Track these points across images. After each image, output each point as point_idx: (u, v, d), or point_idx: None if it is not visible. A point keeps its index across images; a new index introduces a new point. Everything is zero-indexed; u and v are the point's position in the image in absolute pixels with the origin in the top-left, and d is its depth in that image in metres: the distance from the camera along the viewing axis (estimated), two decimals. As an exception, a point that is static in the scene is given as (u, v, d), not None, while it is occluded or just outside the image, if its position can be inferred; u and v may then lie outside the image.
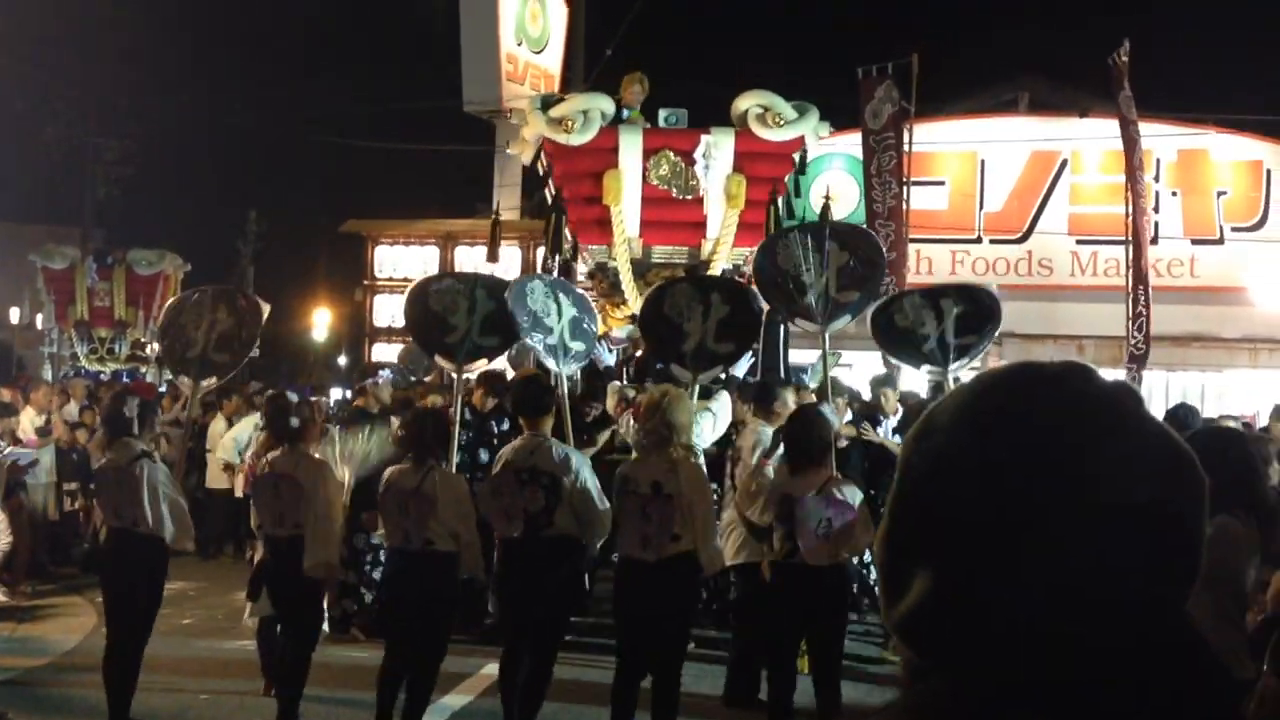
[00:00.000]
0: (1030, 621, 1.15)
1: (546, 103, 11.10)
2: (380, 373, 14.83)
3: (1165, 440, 1.22)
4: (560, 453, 7.40)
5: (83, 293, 22.13)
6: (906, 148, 17.52)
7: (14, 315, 33.20)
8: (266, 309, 9.27)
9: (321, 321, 36.21)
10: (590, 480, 7.36)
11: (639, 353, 11.35)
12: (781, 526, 7.25)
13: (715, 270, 11.25)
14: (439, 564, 7.27)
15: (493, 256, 12.87)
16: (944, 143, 21.33)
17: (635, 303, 11.25)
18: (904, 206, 17.37)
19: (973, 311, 9.00)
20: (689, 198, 11.14)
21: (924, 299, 9.19)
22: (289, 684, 7.57)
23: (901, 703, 1.26)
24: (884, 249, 9.71)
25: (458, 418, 9.23)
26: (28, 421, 14.35)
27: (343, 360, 35.92)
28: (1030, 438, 1.19)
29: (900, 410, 11.22)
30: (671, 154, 11.05)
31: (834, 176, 20.36)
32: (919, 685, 1.23)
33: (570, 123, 10.77)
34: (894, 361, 10.97)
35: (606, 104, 11.12)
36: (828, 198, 12.84)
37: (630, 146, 11.00)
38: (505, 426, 10.35)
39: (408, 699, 7.31)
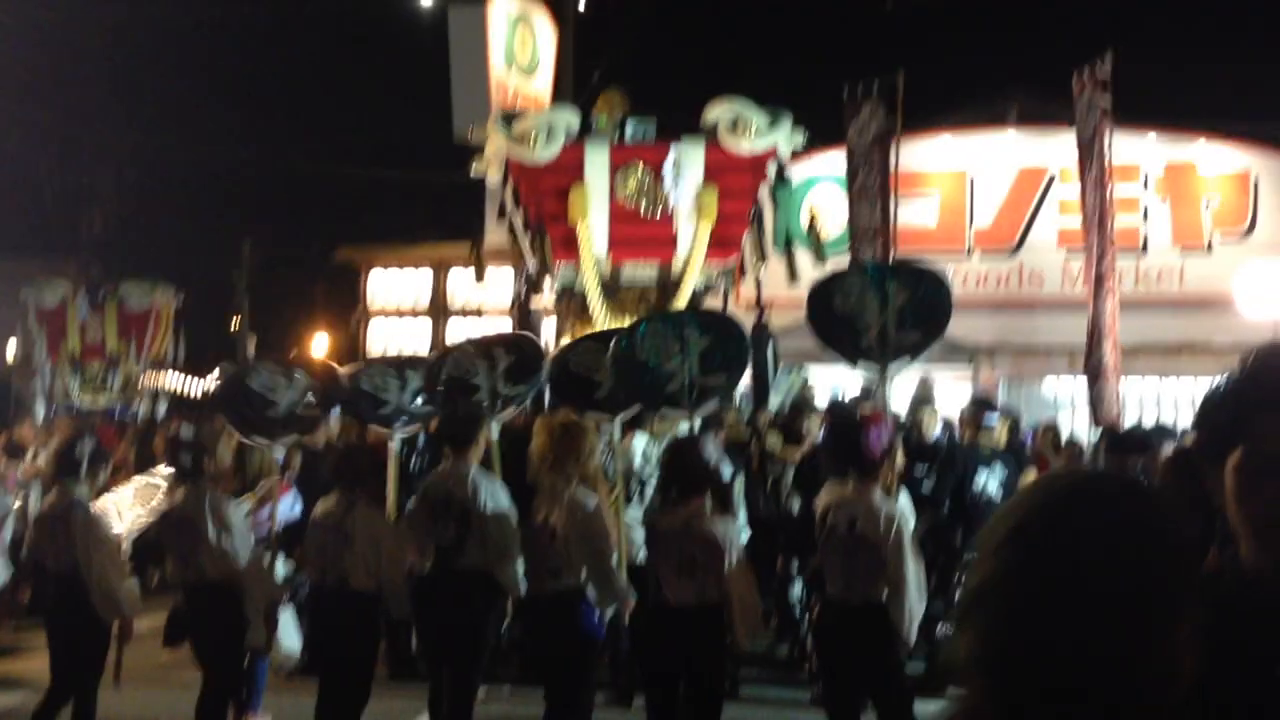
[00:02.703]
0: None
1: (508, 118, 10.86)
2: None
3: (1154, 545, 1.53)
4: (474, 480, 7.15)
5: (74, 328, 22.15)
6: (893, 165, 17.46)
7: (10, 351, 33.21)
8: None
9: (319, 349, 36.18)
10: (500, 510, 7.11)
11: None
12: (650, 563, 6.91)
13: (686, 289, 11.10)
14: (356, 602, 7.00)
15: (480, 276, 12.89)
16: (932, 158, 21.34)
17: (604, 324, 11.10)
18: (891, 223, 17.29)
19: (919, 301, 8.32)
20: (658, 213, 10.92)
21: (869, 279, 8.46)
22: None
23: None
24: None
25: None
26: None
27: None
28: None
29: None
30: (639, 168, 10.80)
31: (824, 192, 20.37)
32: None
33: (533, 138, 10.57)
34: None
35: (571, 118, 10.90)
36: (814, 213, 12.71)
37: (596, 161, 10.76)
38: None
39: None
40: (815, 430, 10.17)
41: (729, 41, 40.29)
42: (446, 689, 7.26)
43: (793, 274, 11.83)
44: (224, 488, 7.73)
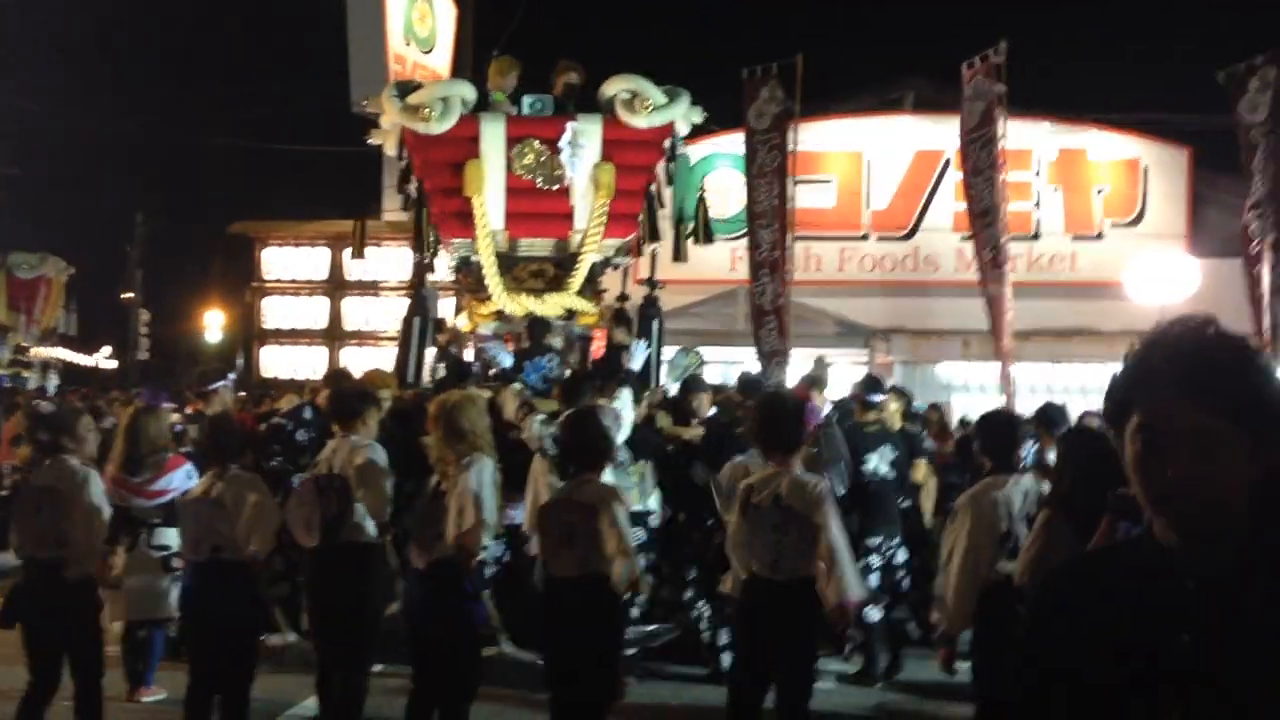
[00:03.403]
0: None
1: (403, 90, 10.65)
2: (229, 376, 14.01)
3: None
4: (357, 455, 7.06)
5: (-40, 298, 21.71)
6: (791, 147, 17.52)
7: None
8: None
9: (214, 323, 35.68)
10: (379, 481, 7.06)
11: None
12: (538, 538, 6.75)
13: (584, 265, 11.06)
14: (232, 575, 6.80)
15: (358, 254, 12.79)
16: (830, 141, 21.51)
17: (500, 298, 11.02)
18: (788, 206, 17.36)
19: None
20: (555, 188, 10.77)
21: None
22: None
23: None
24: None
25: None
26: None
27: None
28: None
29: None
30: (536, 143, 10.65)
31: (722, 175, 20.45)
32: None
33: (428, 110, 10.41)
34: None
35: (468, 91, 10.71)
36: (703, 193, 12.71)
37: (492, 135, 10.60)
38: None
39: None
40: (705, 409, 10.19)
41: (629, 24, 40.33)
42: (339, 665, 7.17)
43: (677, 254, 11.91)
44: (86, 462, 7.44)
